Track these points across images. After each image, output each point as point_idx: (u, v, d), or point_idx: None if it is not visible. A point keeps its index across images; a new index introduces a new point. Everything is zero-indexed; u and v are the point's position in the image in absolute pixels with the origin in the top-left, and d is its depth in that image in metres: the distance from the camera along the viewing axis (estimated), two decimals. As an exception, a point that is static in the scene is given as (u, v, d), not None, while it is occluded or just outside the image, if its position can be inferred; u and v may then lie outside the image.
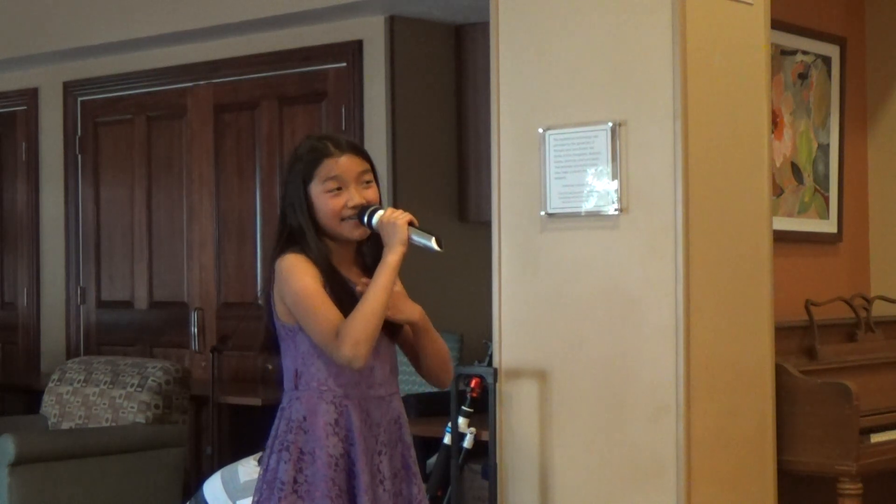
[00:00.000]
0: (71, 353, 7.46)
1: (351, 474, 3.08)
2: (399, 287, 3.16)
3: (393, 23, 6.18)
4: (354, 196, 3.12)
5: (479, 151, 6.06)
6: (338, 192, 3.11)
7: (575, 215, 4.35)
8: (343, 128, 6.32)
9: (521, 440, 4.45)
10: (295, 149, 3.22)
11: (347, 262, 3.19)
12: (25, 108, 7.80)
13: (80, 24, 7.04)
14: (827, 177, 5.50)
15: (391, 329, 3.17)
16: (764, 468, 4.45)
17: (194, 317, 6.92)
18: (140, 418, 5.80)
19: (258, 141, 6.70)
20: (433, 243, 3.07)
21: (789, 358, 4.72)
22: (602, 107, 4.29)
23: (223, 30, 6.57)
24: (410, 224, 3.09)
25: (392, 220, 3.07)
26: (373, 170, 3.20)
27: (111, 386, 5.98)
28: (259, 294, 3.15)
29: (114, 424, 5.86)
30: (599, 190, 4.28)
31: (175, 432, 5.84)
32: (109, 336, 7.37)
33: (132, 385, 5.90)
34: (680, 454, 4.11)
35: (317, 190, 3.12)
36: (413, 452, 3.23)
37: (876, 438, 4.56)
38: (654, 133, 4.19)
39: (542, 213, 4.41)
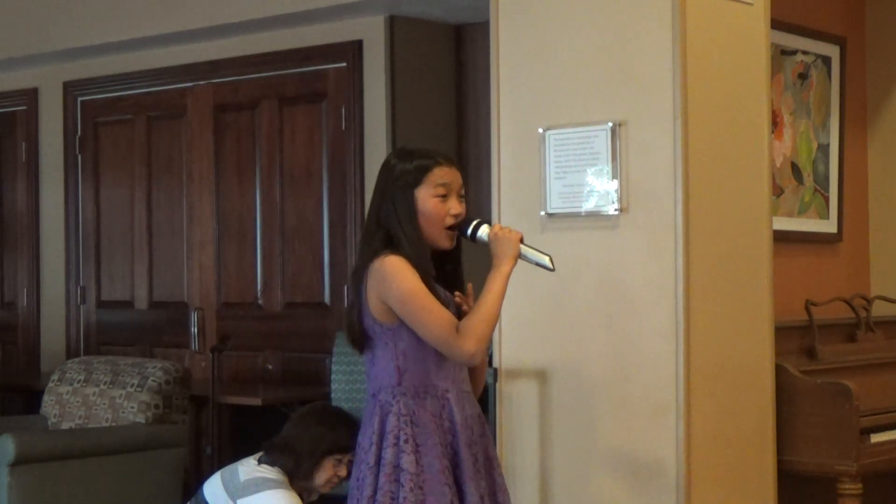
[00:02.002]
0: (71, 353, 7.46)
1: (454, 463, 3.28)
2: (472, 301, 3.37)
3: (393, 23, 6.18)
4: (456, 206, 3.34)
5: (479, 151, 6.06)
6: (444, 198, 3.32)
7: (575, 215, 4.35)
8: (343, 128, 6.32)
9: (521, 440, 4.45)
10: (390, 161, 3.39)
11: None
12: (25, 108, 7.80)
13: (80, 24, 7.04)
14: (827, 177, 5.50)
15: None
16: (764, 468, 4.45)
17: (194, 317, 6.92)
18: (140, 418, 5.80)
19: (258, 141, 6.70)
20: (547, 261, 3.34)
21: (789, 358, 4.72)
22: (602, 107, 4.30)
23: (223, 30, 6.57)
24: (521, 241, 3.33)
25: (507, 236, 3.31)
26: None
27: (111, 386, 5.98)
28: (347, 293, 3.37)
29: (114, 424, 5.85)
30: (599, 190, 4.29)
31: (175, 432, 5.84)
32: (109, 336, 7.37)
33: (132, 385, 5.90)
34: (680, 454, 4.11)
35: (425, 194, 3.31)
36: (493, 443, 3.45)
37: (876, 438, 4.56)
38: (654, 133, 4.19)
39: (542, 213, 4.42)
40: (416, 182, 3.30)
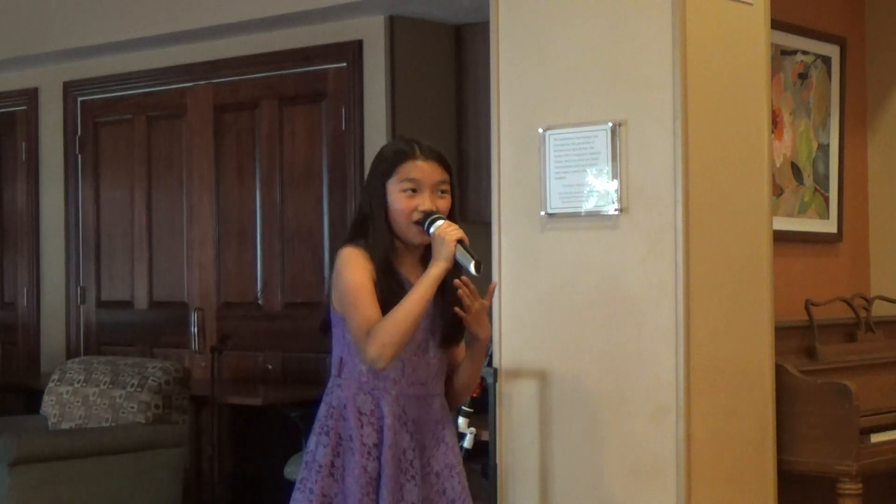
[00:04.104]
0: (71, 353, 7.46)
1: (379, 464, 3.21)
2: (487, 301, 3.27)
3: (393, 23, 6.18)
4: (426, 201, 3.23)
5: (479, 151, 6.06)
6: (412, 193, 3.24)
7: (575, 215, 4.35)
8: (343, 128, 6.32)
9: (521, 440, 4.45)
10: (383, 146, 3.37)
11: (413, 264, 3.30)
12: (25, 108, 7.80)
13: (80, 24, 7.04)
14: (827, 177, 5.50)
15: (446, 334, 3.29)
16: (764, 468, 4.45)
17: (194, 317, 6.92)
18: (140, 418, 5.80)
19: (258, 141, 6.70)
20: (472, 267, 3.16)
21: (789, 358, 4.72)
22: (602, 107, 4.29)
23: (223, 30, 6.57)
24: (460, 242, 3.18)
25: (443, 234, 3.17)
26: (451, 181, 3.31)
27: (111, 386, 5.98)
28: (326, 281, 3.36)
29: (114, 424, 5.86)
30: (599, 190, 4.29)
31: (175, 432, 5.84)
32: (109, 336, 7.37)
33: (132, 385, 5.90)
34: (680, 454, 4.11)
35: (393, 187, 3.25)
36: (457, 451, 3.35)
37: (876, 438, 4.56)
38: (654, 133, 4.19)
39: (542, 213, 4.41)
40: (388, 174, 3.25)
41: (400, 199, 3.23)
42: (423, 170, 3.24)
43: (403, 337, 3.11)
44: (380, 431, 3.22)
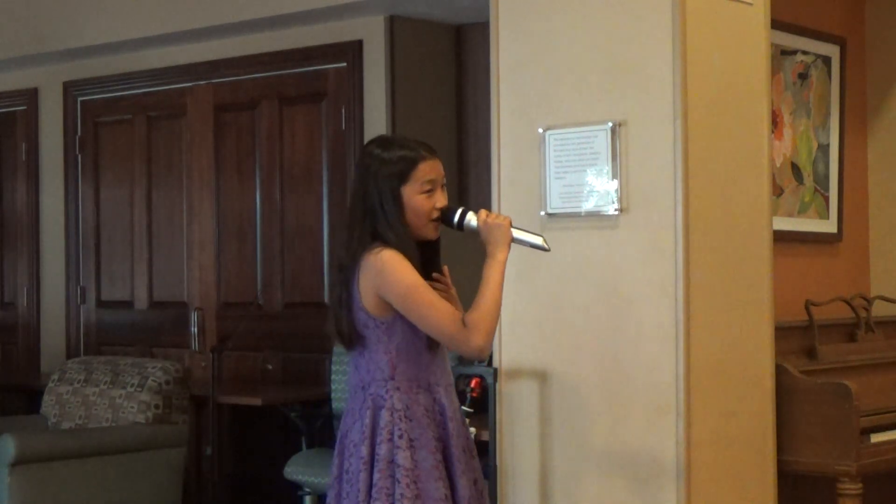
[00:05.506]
0: (71, 353, 7.46)
1: (445, 456, 3.30)
2: (454, 290, 3.42)
3: (393, 23, 6.18)
4: (441, 198, 3.34)
5: (479, 151, 6.07)
6: (430, 193, 3.31)
7: (575, 215, 4.35)
8: (343, 128, 6.32)
9: (521, 440, 4.45)
10: (372, 151, 3.34)
11: None
12: (25, 108, 7.80)
13: (80, 24, 7.05)
14: (827, 177, 5.50)
15: None
16: (764, 468, 4.45)
17: (194, 317, 6.92)
18: (140, 418, 5.80)
19: (258, 141, 6.70)
20: (542, 242, 3.36)
21: (789, 358, 4.72)
22: (602, 107, 4.30)
23: (223, 30, 6.57)
24: (511, 225, 3.33)
25: (497, 222, 3.31)
26: None
27: (111, 386, 5.98)
28: (331, 289, 3.40)
29: (114, 424, 5.86)
30: (599, 190, 4.29)
31: (175, 432, 5.84)
32: (109, 336, 7.37)
33: (132, 385, 5.90)
34: (680, 454, 4.11)
35: (412, 191, 3.30)
36: (471, 435, 3.48)
37: (876, 438, 4.56)
38: (654, 133, 4.19)
39: (542, 213, 4.42)
40: (403, 179, 3.28)
41: (421, 201, 3.29)
42: (435, 168, 3.33)
43: (497, 323, 3.27)
44: (443, 426, 3.30)
